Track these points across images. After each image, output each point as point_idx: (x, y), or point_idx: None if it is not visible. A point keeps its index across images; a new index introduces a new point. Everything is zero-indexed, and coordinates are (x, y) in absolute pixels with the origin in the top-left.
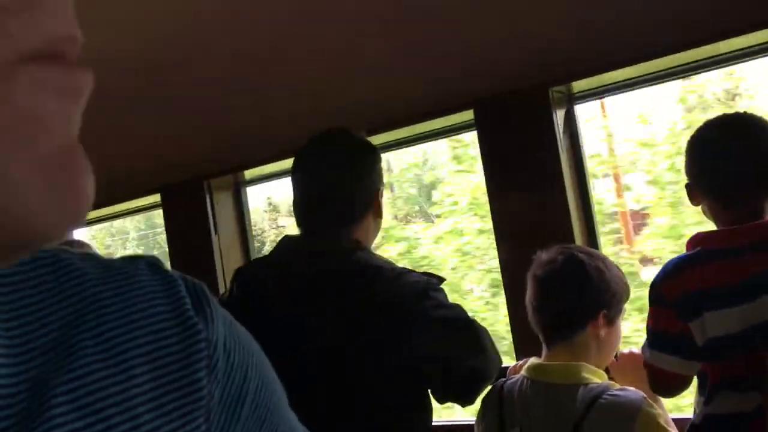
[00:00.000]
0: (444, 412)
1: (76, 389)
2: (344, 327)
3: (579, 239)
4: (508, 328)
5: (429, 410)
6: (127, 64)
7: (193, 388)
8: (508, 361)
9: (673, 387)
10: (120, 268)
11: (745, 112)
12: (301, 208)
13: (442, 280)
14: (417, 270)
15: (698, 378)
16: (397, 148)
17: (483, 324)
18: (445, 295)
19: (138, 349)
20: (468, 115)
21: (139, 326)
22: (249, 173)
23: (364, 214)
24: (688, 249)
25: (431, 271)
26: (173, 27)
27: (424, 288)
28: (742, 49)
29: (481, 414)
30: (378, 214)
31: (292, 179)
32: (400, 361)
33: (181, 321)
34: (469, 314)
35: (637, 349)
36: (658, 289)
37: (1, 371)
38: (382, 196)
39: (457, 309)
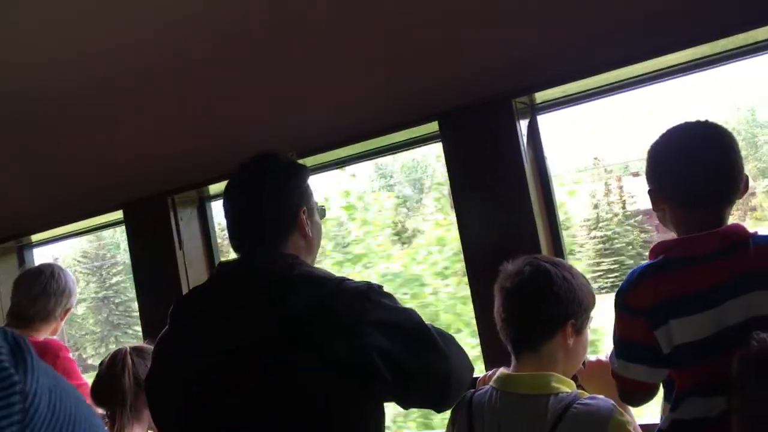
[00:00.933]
0: (409, 426)
1: None
2: (290, 337)
3: (545, 248)
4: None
5: (380, 413)
6: (91, 82)
7: None
8: (478, 371)
9: (641, 395)
10: None
11: (706, 120)
12: (228, 232)
13: (381, 286)
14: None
15: (665, 385)
16: (363, 161)
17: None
18: (392, 299)
19: None
20: (433, 126)
21: None
22: (214, 188)
23: (285, 234)
24: (651, 257)
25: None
26: (141, 48)
27: (366, 292)
28: (705, 57)
29: (450, 425)
30: (303, 233)
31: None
32: (347, 366)
33: None
34: (423, 319)
35: (604, 357)
36: (624, 298)
37: None
38: (307, 214)
39: (405, 312)
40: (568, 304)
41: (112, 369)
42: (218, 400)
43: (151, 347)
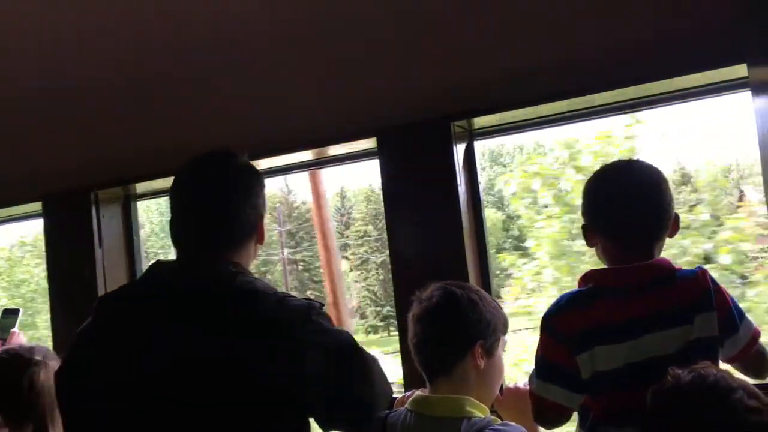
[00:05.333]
0: None
1: None
2: (222, 351)
3: (472, 272)
4: None
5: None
6: (17, 65)
7: None
8: (398, 392)
9: (555, 418)
10: None
11: (637, 160)
12: (177, 229)
13: (322, 305)
14: (298, 296)
15: (580, 412)
16: (299, 171)
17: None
18: (330, 320)
19: None
20: (371, 143)
21: None
22: (141, 187)
23: (245, 240)
24: (580, 285)
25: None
26: (74, 48)
27: (307, 312)
28: (643, 97)
29: None
30: (260, 239)
31: (170, 199)
32: (277, 386)
33: None
34: (356, 342)
35: (522, 384)
36: (550, 322)
37: None
38: (262, 221)
39: (342, 335)
40: (474, 323)
41: (31, 390)
42: (141, 412)
43: (43, 347)
